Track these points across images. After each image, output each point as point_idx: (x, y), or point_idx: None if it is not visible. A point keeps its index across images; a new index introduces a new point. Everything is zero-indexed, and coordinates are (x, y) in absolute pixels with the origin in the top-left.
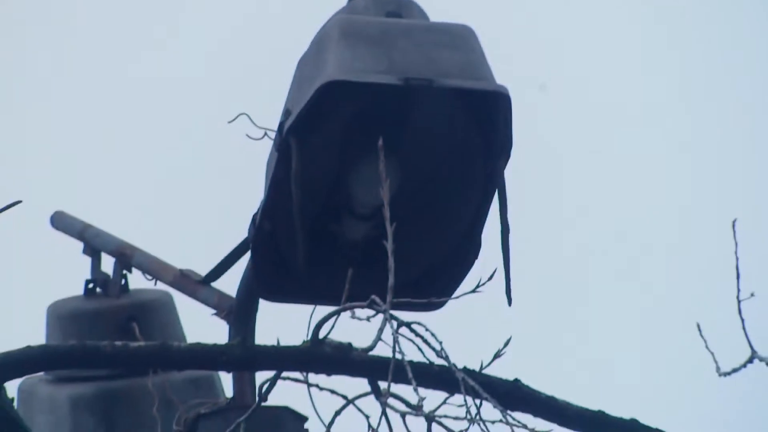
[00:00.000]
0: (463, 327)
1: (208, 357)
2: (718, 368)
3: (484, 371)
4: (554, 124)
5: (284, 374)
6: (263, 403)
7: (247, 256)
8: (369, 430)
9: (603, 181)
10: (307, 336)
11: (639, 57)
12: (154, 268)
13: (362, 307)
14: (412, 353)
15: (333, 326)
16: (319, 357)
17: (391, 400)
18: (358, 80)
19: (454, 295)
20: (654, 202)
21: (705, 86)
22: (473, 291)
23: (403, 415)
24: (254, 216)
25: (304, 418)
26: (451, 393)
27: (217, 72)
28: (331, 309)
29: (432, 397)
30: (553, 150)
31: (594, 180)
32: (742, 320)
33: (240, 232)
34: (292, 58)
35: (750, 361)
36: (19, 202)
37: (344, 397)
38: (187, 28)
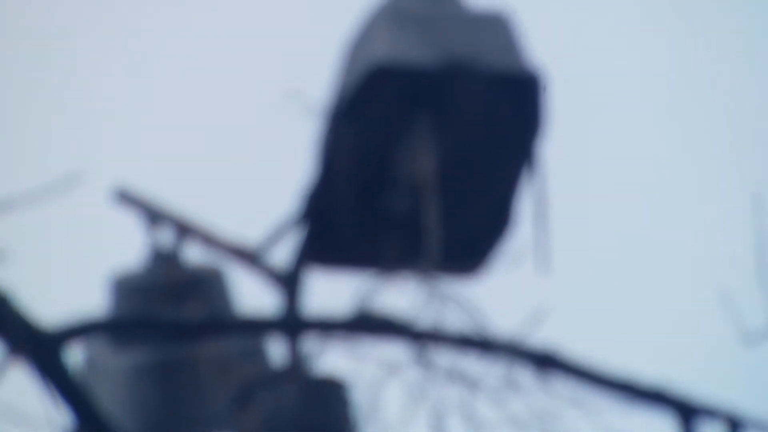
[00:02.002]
0: (503, 296)
1: (259, 325)
2: (743, 334)
3: (522, 339)
4: (591, 98)
5: (332, 341)
6: (312, 370)
7: (298, 227)
8: (412, 395)
9: (637, 150)
10: (354, 304)
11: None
12: (210, 240)
13: (406, 276)
14: (453, 321)
15: (378, 295)
16: (365, 324)
17: (433, 366)
18: (404, 63)
19: (493, 265)
20: (685, 173)
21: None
22: (512, 261)
23: (445, 380)
24: (305, 189)
25: (350, 384)
26: (491, 360)
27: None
28: (376, 278)
29: (473, 364)
30: (586, 122)
31: (628, 149)
32: None
33: (291, 205)
34: (341, 37)
35: None
36: (82, 175)
37: (389, 363)
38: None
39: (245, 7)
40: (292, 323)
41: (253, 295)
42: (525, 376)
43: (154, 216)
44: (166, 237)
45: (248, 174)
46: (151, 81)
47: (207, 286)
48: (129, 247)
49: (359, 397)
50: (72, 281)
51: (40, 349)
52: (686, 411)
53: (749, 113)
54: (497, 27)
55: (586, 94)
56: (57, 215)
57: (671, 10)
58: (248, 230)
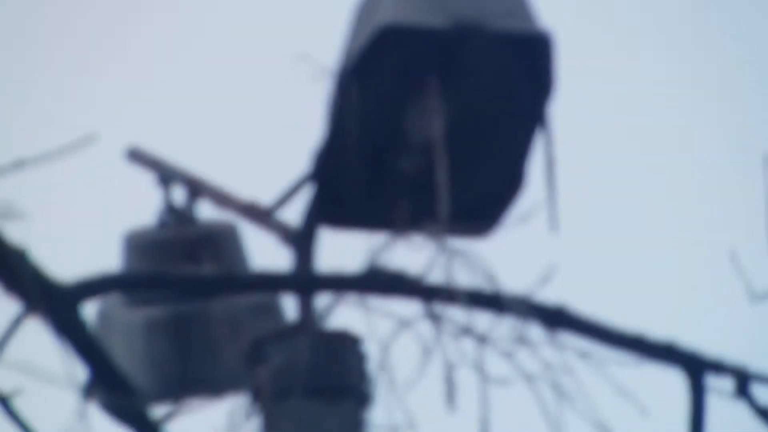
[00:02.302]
0: (512, 254)
1: (272, 282)
2: (750, 292)
3: (531, 295)
4: (598, 58)
5: (343, 298)
6: (324, 326)
7: (310, 187)
8: (423, 350)
9: (648, 110)
10: (365, 262)
11: None
12: (222, 198)
13: (417, 235)
14: (463, 278)
15: (389, 253)
16: (376, 282)
17: (444, 323)
18: (412, 24)
19: (503, 223)
20: (699, 139)
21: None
22: (521, 220)
23: (455, 336)
24: (316, 149)
25: (362, 339)
26: (501, 316)
27: (280, 14)
28: (387, 236)
29: (482, 320)
30: (595, 83)
31: (635, 110)
32: None
33: (303, 164)
34: (350, 0)
35: None
36: (96, 136)
37: (400, 319)
38: None
39: None
40: (305, 280)
41: (265, 253)
42: (535, 331)
43: (167, 175)
44: (179, 195)
45: (260, 134)
46: (164, 42)
47: (220, 243)
48: (143, 205)
49: (371, 352)
50: (87, 239)
51: (56, 305)
52: (695, 366)
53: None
54: None
55: (594, 54)
56: (71, 175)
57: None
58: (260, 189)
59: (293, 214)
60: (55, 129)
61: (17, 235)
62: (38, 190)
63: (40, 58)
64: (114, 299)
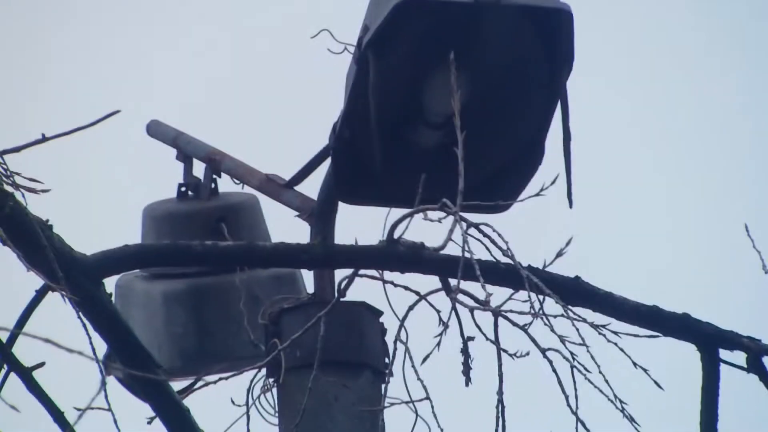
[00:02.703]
0: (527, 228)
1: (291, 256)
2: (764, 266)
3: (546, 269)
4: (613, 36)
5: (361, 272)
6: (342, 299)
7: (328, 161)
8: (440, 323)
9: (663, 85)
10: (383, 236)
11: None
12: (242, 172)
13: (434, 209)
14: (480, 252)
15: (407, 227)
16: (393, 256)
17: (460, 296)
18: None
19: (519, 198)
20: (713, 113)
21: None
22: (537, 194)
23: (471, 310)
24: (335, 124)
25: (380, 313)
26: (516, 289)
27: None
28: (405, 211)
29: (498, 294)
30: (611, 58)
31: (654, 86)
32: None
33: (322, 139)
34: None
35: None
36: (117, 111)
37: (417, 293)
38: None
39: None
40: (323, 254)
41: (284, 226)
42: (551, 303)
43: (187, 149)
44: (198, 169)
45: (280, 108)
46: (186, 17)
47: (239, 217)
48: (163, 179)
49: (388, 325)
50: (108, 214)
51: (77, 279)
52: (709, 339)
53: None
54: None
55: (612, 30)
56: (93, 150)
57: None
58: (280, 163)
59: (312, 187)
60: (78, 104)
61: (39, 209)
62: (60, 165)
63: (64, 33)
64: (133, 272)
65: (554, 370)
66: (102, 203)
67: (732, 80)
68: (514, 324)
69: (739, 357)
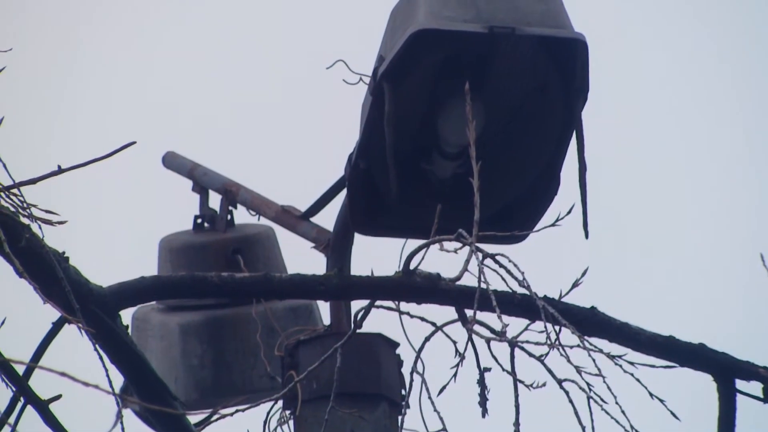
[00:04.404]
0: (543, 258)
1: (307, 287)
2: None
3: (562, 299)
4: (629, 67)
5: (377, 303)
6: (358, 330)
7: (344, 192)
8: (456, 354)
9: (675, 117)
10: (399, 267)
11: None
12: (258, 204)
13: (450, 240)
14: (496, 283)
15: (423, 258)
16: (409, 287)
17: (476, 327)
18: (447, 29)
19: (535, 229)
20: (725, 142)
21: None
22: (553, 224)
23: (487, 340)
24: (350, 155)
25: (396, 344)
26: (533, 320)
27: (316, 22)
28: (421, 242)
29: (514, 324)
30: (625, 91)
31: (666, 116)
32: None
33: (337, 170)
34: (386, 8)
35: None
36: (133, 143)
37: (433, 324)
38: None
39: None
40: (339, 285)
41: (300, 258)
42: (567, 334)
43: (203, 180)
44: (215, 201)
45: (296, 139)
46: (201, 49)
47: (256, 248)
48: (179, 211)
49: (405, 356)
50: (124, 245)
51: (94, 312)
52: (725, 369)
53: None
54: None
55: (626, 58)
56: (110, 181)
57: None
58: (296, 194)
59: (328, 219)
60: (94, 135)
61: (55, 241)
62: (77, 197)
63: (80, 65)
64: (149, 304)
65: (571, 401)
66: (118, 235)
67: (737, 118)
68: (531, 355)
69: (756, 387)
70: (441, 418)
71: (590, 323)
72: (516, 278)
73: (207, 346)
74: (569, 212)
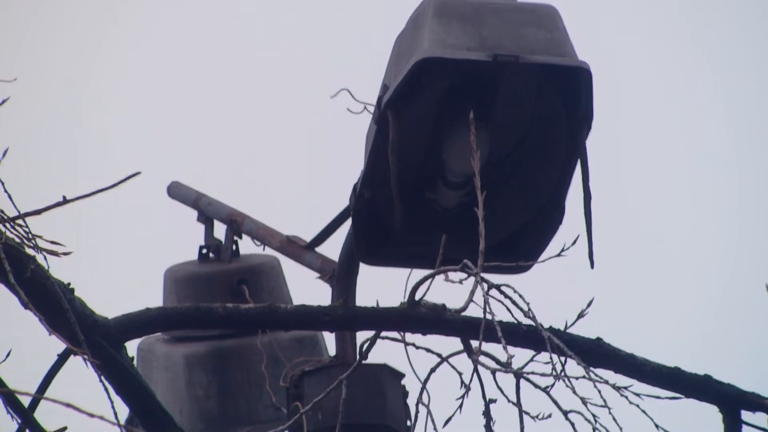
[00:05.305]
0: (548, 288)
1: (312, 318)
2: None
3: (568, 330)
4: (634, 94)
5: (383, 334)
6: (364, 361)
7: (349, 222)
8: (462, 386)
9: (681, 145)
10: (404, 298)
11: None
12: (263, 234)
13: (455, 270)
14: (501, 314)
15: (428, 288)
16: (415, 317)
17: (482, 358)
18: (451, 57)
19: (540, 259)
20: (732, 172)
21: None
22: (558, 255)
23: (493, 371)
24: (355, 185)
25: (402, 375)
26: (538, 351)
27: (320, 51)
28: (426, 272)
29: (520, 355)
30: (631, 118)
31: (671, 146)
32: None
33: (342, 200)
34: (390, 37)
35: None
36: (138, 173)
37: (439, 355)
38: (294, 6)
39: (301, 4)
40: (344, 315)
41: (305, 288)
42: (572, 365)
43: (208, 210)
44: (220, 231)
45: (300, 168)
46: (205, 80)
47: (261, 278)
48: (184, 241)
49: (410, 387)
50: (130, 276)
51: (100, 343)
52: (731, 400)
53: None
54: (544, 20)
55: (628, 86)
56: (115, 212)
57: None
58: (300, 224)
59: (333, 249)
60: (99, 166)
61: (60, 272)
62: (81, 227)
63: (84, 95)
64: (155, 335)
65: None
66: (123, 266)
67: (746, 148)
68: (536, 386)
69: (761, 419)
70: None
71: (596, 354)
72: (521, 309)
73: (212, 377)
74: (574, 242)
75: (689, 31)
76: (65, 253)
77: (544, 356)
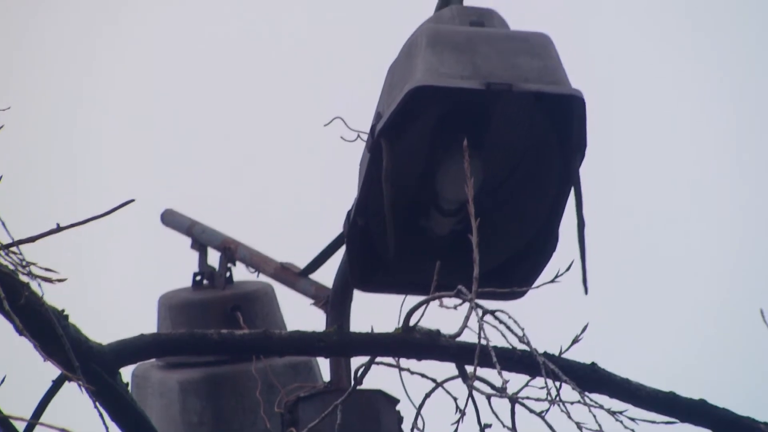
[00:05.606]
0: (543, 314)
1: (306, 344)
2: None
3: (563, 355)
4: (626, 122)
5: (377, 359)
6: (358, 387)
7: (343, 249)
8: (457, 411)
9: (673, 173)
10: (399, 323)
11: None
12: (257, 261)
13: (449, 296)
14: (496, 339)
15: (422, 314)
16: (409, 343)
17: (477, 383)
18: (444, 85)
19: (534, 285)
20: (723, 198)
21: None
22: (552, 281)
23: (488, 397)
24: (349, 212)
25: (396, 401)
26: (533, 376)
27: (313, 79)
28: (420, 298)
29: (515, 380)
30: (624, 146)
31: (664, 173)
32: None
33: (336, 227)
34: (383, 65)
35: None
36: (132, 200)
37: (433, 380)
38: (287, 35)
39: (294, 33)
40: (339, 342)
41: (299, 314)
42: (567, 390)
43: (201, 237)
44: (214, 258)
45: (294, 196)
46: (200, 107)
47: (255, 305)
48: (178, 268)
49: (405, 413)
50: (124, 302)
51: (93, 368)
52: (726, 425)
53: None
54: (537, 48)
55: (621, 113)
56: (109, 239)
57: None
58: (294, 251)
59: (327, 275)
60: (93, 193)
61: (55, 298)
62: (76, 254)
63: (80, 124)
64: (149, 361)
65: None
66: (118, 292)
67: (738, 170)
68: (531, 411)
69: None
70: None
71: (591, 379)
72: (516, 334)
73: (207, 403)
74: (568, 268)
75: (682, 57)
76: (59, 280)
77: (539, 381)
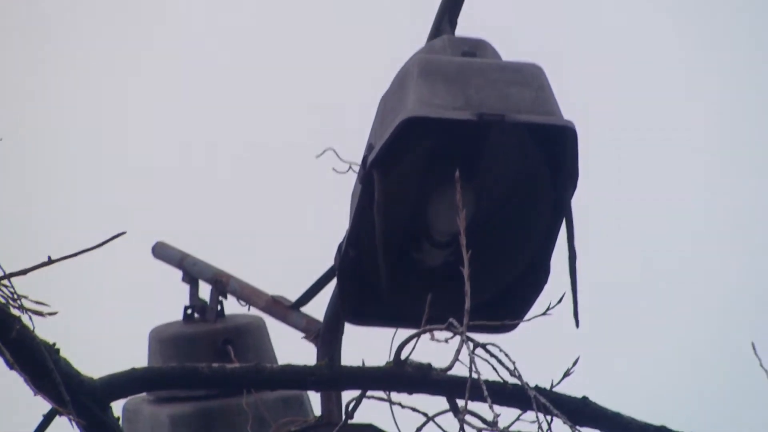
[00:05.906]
0: (534, 347)
1: (298, 377)
2: None
3: (554, 389)
4: (618, 153)
5: (368, 393)
6: (349, 421)
7: (334, 282)
8: None
9: (665, 205)
10: (390, 357)
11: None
12: (248, 294)
13: (441, 329)
14: (487, 373)
15: (414, 348)
16: (401, 377)
17: (468, 417)
18: (436, 116)
19: (526, 318)
20: (716, 227)
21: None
22: (544, 314)
23: (479, 430)
24: (340, 245)
25: None
26: (524, 410)
27: (305, 110)
28: (411, 331)
29: (506, 414)
30: (616, 175)
31: (656, 204)
32: None
33: (327, 260)
34: (375, 96)
35: None
36: (123, 233)
37: (425, 414)
38: (279, 66)
39: (286, 63)
40: (330, 375)
41: (290, 348)
42: (559, 424)
43: (193, 270)
44: (205, 291)
45: (285, 228)
46: (192, 138)
47: (246, 338)
48: (169, 301)
49: None
50: (115, 336)
51: (84, 402)
52: None
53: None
54: (529, 79)
55: (614, 144)
56: (99, 271)
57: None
58: (285, 284)
59: (318, 309)
60: (84, 225)
61: (46, 331)
62: (67, 287)
63: (71, 156)
64: (140, 395)
65: None
66: (108, 326)
67: (729, 200)
68: None
69: None
70: None
71: (582, 413)
72: (507, 368)
73: None
74: (560, 301)
75: (675, 87)
76: (50, 313)
77: (531, 415)
